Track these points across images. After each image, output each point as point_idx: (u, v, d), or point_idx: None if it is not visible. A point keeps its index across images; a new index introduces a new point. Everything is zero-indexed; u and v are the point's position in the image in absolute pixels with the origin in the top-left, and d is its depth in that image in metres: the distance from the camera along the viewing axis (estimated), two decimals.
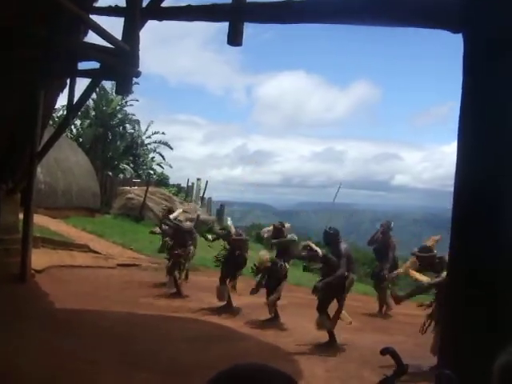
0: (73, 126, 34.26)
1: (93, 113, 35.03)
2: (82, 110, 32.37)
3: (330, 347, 9.50)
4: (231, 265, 12.00)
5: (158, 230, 14.50)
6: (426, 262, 9.14)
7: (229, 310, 11.75)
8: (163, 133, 37.85)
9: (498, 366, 1.51)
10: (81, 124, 35.12)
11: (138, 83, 32.97)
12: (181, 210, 15.16)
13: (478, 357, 4.34)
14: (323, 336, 9.77)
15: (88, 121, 34.90)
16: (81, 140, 33.76)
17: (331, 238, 9.98)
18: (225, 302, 11.95)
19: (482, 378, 1.74)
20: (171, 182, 36.03)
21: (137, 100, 36.99)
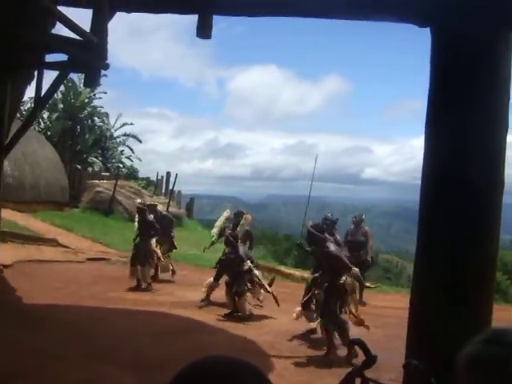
0: (41, 119, 33.90)
1: (61, 106, 34.68)
2: (50, 102, 32.04)
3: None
4: None
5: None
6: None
7: (199, 303, 11.71)
8: (131, 123, 37.69)
9: (464, 356, 1.53)
10: (48, 117, 34.75)
11: (106, 76, 32.66)
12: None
13: (446, 346, 4.39)
14: (294, 329, 9.82)
15: (56, 114, 34.54)
16: (49, 133, 33.40)
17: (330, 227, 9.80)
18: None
19: (450, 367, 1.75)
20: (141, 175, 35.88)
21: (105, 92, 36.72)
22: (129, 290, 12.82)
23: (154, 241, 13.37)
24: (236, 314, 10.88)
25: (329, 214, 10.35)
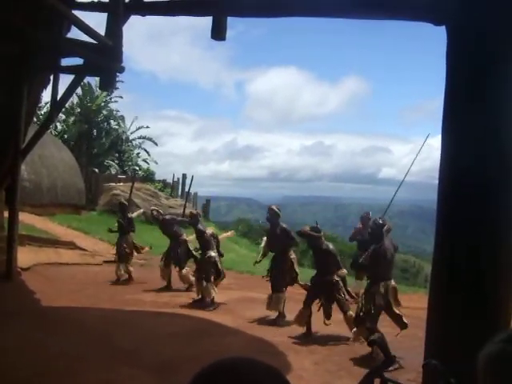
0: (58, 123, 34.11)
1: (77, 109, 34.87)
2: (67, 106, 32.29)
3: (307, 338, 9.60)
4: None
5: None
6: None
7: (213, 304, 11.66)
8: (147, 127, 37.87)
9: (484, 356, 1.52)
10: (65, 121, 34.97)
11: (122, 81, 32.93)
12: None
13: (465, 346, 4.37)
14: (312, 330, 9.80)
15: (73, 117, 34.76)
16: (66, 137, 33.62)
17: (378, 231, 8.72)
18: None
19: (469, 367, 1.74)
20: (159, 177, 35.93)
21: (121, 97, 36.87)
22: (146, 291, 12.88)
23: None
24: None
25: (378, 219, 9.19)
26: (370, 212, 12.95)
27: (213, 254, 11.84)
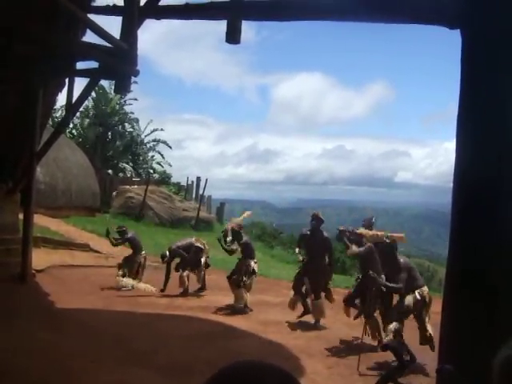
0: (73, 126, 34.27)
1: (92, 112, 35.01)
2: (83, 109, 32.44)
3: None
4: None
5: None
6: None
7: (231, 308, 11.74)
8: (162, 129, 37.85)
9: (498, 360, 1.52)
10: (81, 124, 35.14)
11: (136, 82, 32.98)
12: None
13: (479, 351, 4.34)
14: (325, 333, 9.78)
15: (88, 120, 34.91)
16: (81, 140, 33.78)
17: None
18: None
19: (483, 372, 1.74)
20: (177, 180, 35.85)
21: (135, 99, 36.95)
22: (160, 294, 12.90)
23: None
24: None
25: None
26: (374, 217, 12.66)
27: (253, 264, 12.09)
